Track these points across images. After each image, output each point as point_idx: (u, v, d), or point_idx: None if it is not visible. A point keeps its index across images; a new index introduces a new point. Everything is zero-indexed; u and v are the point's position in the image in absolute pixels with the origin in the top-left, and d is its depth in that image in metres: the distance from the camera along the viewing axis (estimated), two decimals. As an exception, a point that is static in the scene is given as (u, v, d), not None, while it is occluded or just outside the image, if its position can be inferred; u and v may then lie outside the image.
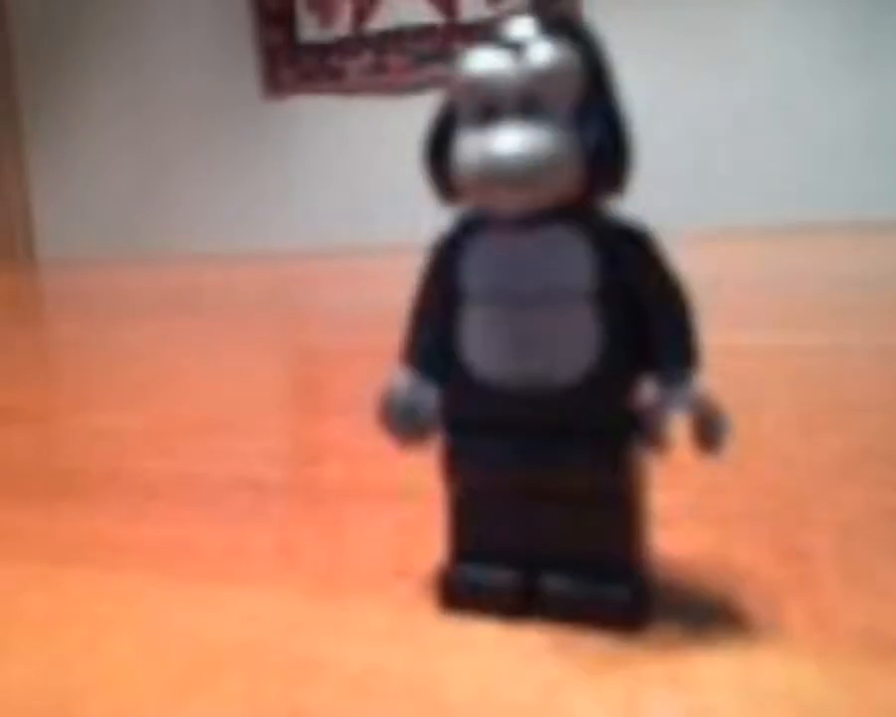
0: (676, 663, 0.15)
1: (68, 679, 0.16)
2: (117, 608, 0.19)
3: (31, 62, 2.42)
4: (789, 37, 1.79)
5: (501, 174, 0.16)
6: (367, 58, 2.07)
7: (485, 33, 0.17)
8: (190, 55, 2.26)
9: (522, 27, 0.16)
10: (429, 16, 2.00)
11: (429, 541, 0.22)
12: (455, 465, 0.18)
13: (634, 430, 0.17)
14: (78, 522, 0.25)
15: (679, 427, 0.17)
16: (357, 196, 2.16)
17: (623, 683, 0.15)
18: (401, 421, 0.18)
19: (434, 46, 2.02)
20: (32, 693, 0.16)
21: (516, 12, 0.16)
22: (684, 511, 0.23)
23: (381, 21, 2.04)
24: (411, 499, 0.25)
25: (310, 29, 2.11)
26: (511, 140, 0.16)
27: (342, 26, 2.08)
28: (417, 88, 2.06)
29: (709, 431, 0.16)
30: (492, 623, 0.17)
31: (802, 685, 0.14)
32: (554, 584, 0.17)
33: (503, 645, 0.16)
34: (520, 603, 0.17)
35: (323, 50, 2.11)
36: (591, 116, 0.16)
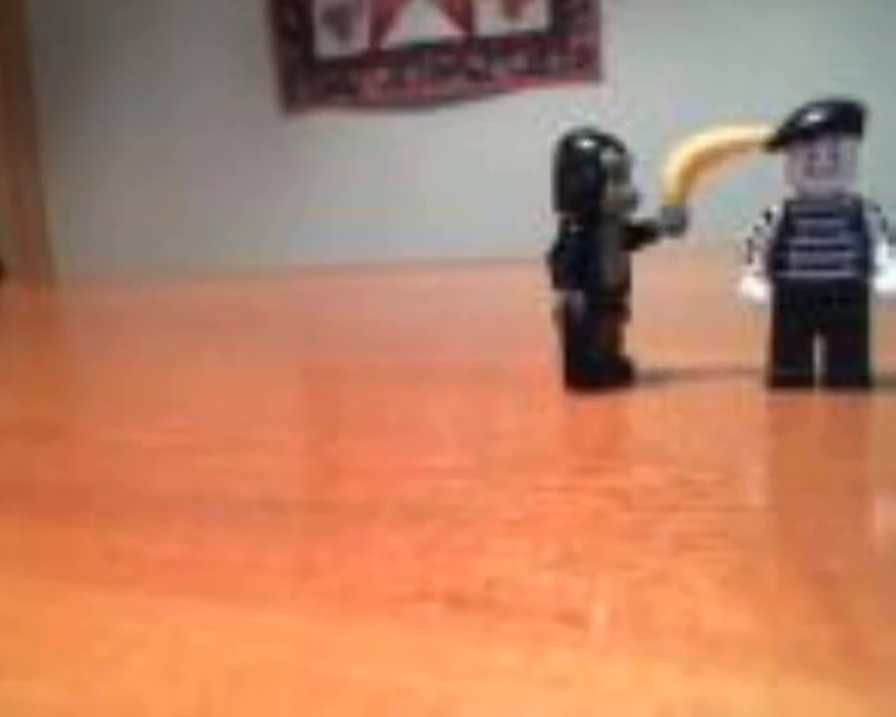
0: (703, 688, 0.15)
1: (90, 698, 0.16)
2: (138, 627, 0.19)
3: (48, 77, 2.45)
4: (811, 39, 1.78)
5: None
6: (385, 73, 2.09)
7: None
8: (208, 70, 2.28)
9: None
10: (447, 30, 2.02)
11: (450, 562, 0.22)
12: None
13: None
14: (98, 538, 0.25)
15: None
16: (375, 212, 2.17)
17: (648, 710, 0.15)
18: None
19: (452, 61, 2.03)
20: (53, 712, 0.16)
21: None
22: (710, 533, 0.22)
23: (399, 36, 2.06)
24: (432, 520, 0.25)
25: (327, 44, 2.13)
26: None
27: (360, 41, 2.09)
28: (435, 103, 2.07)
29: None
30: (516, 648, 0.17)
31: (833, 715, 0.14)
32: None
33: (526, 670, 0.16)
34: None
35: (340, 65, 2.12)
36: None
